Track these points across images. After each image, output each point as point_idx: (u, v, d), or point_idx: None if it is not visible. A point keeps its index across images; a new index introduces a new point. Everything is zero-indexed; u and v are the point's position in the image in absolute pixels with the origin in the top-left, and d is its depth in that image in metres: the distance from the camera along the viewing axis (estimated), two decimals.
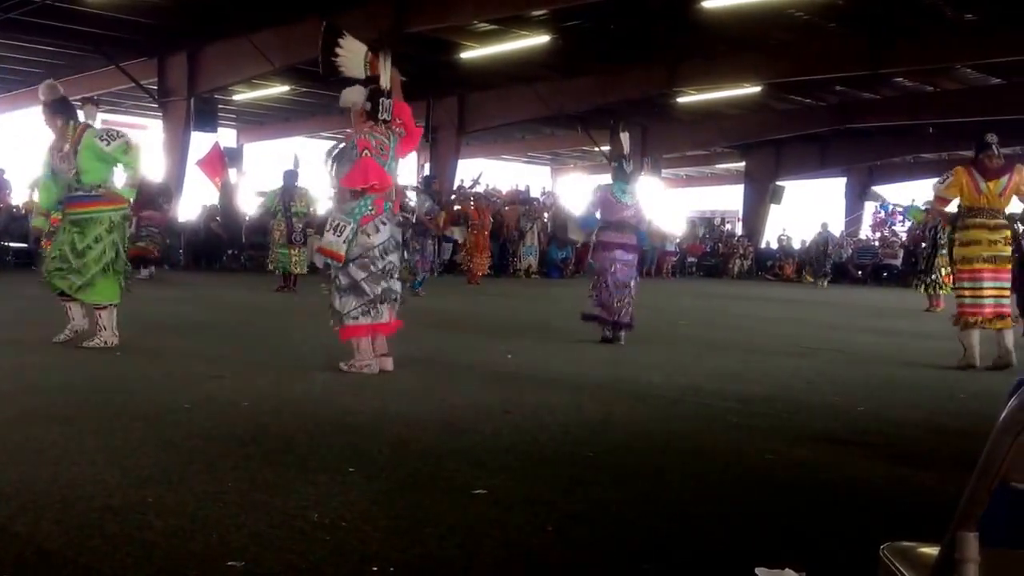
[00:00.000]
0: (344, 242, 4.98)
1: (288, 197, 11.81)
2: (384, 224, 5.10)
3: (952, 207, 6.62)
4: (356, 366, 5.07)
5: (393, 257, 5.18)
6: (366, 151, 5.01)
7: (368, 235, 5.03)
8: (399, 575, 2.13)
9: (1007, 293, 6.35)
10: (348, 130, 5.32)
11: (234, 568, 2.10)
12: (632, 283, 7.14)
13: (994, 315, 6.22)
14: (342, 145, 5.22)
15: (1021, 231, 7.38)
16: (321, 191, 14.04)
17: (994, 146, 6.26)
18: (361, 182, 5.00)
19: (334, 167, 5.14)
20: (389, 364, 5.18)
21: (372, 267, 5.06)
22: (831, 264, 22.30)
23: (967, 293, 6.35)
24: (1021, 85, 18.67)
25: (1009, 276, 6.36)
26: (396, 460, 3.18)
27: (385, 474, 2.99)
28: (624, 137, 7.37)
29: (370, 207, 5.04)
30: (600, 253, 7.21)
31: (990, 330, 6.25)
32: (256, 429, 3.55)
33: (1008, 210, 6.52)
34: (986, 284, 6.26)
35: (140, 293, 10.88)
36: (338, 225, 5.02)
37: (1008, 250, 6.32)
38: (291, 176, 11.84)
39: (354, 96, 5.16)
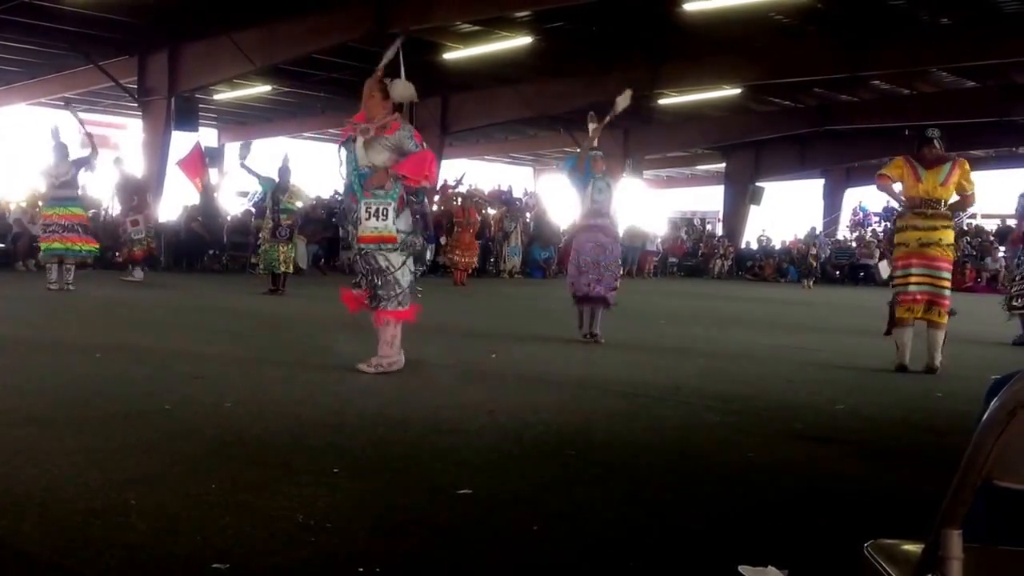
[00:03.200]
0: (392, 223, 5.03)
1: (279, 193, 11.58)
2: (407, 212, 5.18)
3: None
4: (384, 364, 5.06)
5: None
6: (424, 143, 5.11)
7: (402, 218, 5.10)
8: None
9: (944, 283, 6.15)
10: (385, 119, 5.12)
11: (218, 570, 2.09)
12: (612, 260, 7.17)
13: (924, 302, 6.11)
14: (392, 135, 5.06)
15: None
16: (310, 188, 13.85)
17: (935, 140, 6.26)
18: (428, 171, 5.09)
19: (366, 155, 5.06)
20: (402, 360, 5.22)
21: (409, 248, 5.15)
22: (818, 266, 22.69)
23: (898, 281, 6.28)
24: (994, 89, 18.93)
25: (948, 266, 6.21)
26: (380, 460, 3.18)
27: (369, 475, 2.99)
28: (590, 128, 7.49)
29: (401, 191, 5.09)
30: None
31: (923, 325, 6.16)
32: (239, 430, 3.53)
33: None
34: (914, 271, 6.17)
35: (123, 294, 10.80)
36: (378, 210, 5.02)
37: (946, 238, 6.18)
38: (285, 172, 11.60)
39: (409, 91, 5.21)
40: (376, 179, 5.03)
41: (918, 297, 6.14)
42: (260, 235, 11.90)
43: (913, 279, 6.18)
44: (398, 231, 5.06)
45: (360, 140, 5.10)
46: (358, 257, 5.19)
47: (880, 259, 22.18)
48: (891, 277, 6.55)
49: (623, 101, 7.36)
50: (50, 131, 10.75)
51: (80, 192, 11.29)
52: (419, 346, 6.26)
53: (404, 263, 5.13)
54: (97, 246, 11.01)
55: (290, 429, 3.59)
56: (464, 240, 15.97)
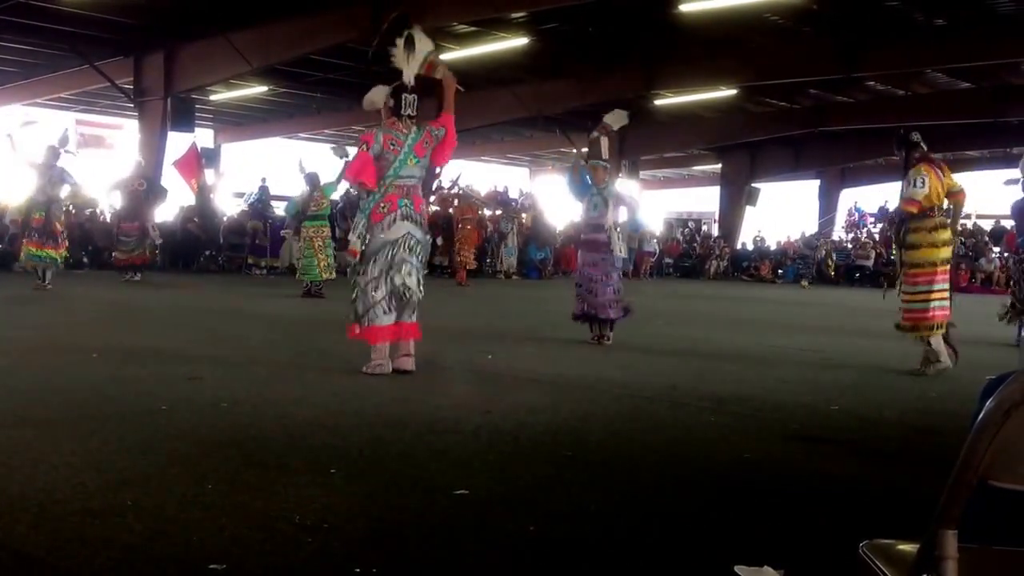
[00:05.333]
0: (358, 238, 5.01)
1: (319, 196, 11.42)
2: (400, 221, 5.05)
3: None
4: (371, 366, 5.07)
5: (409, 256, 5.09)
6: (363, 144, 5.05)
7: (382, 231, 5.03)
8: None
9: None
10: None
11: (215, 571, 2.09)
12: (604, 278, 7.11)
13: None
14: None
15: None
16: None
17: (922, 143, 6.21)
18: (349, 173, 5.12)
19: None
20: (410, 364, 5.12)
21: (385, 263, 5.03)
22: (813, 267, 22.87)
23: (944, 296, 6.07)
24: (988, 90, 18.98)
25: None
26: (377, 461, 3.18)
27: (366, 475, 2.99)
28: (603, 141, 7.44)
29: (381, 203, 5.04)
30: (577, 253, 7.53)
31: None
32: (236, 430, 3.53)
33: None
34: (944, 287, 6.13)
35: (119, 294, 10.79)
36: (354, 224, 5.13)
37: None
38: (314, 178, 11.54)
39: (375, 96, 5.17)
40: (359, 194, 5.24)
41: (950, 312, 6.11)
42: (304, 243, 11.36)
43: (944, 296, 6.10)
44: (363, 248, 5.04)
45: None
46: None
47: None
48: (923, 289, 6.08)
49: (615, 120, 7.38)
50: (59, 136, 10.82)
51: (73, 191, 11.34)
52: (416, 346, 6.26)
53: (363, 285, 5.06)
54: (58, 254, 10.91)
55: (287, 430, 3.59)
56: (472, 238, 16.11)
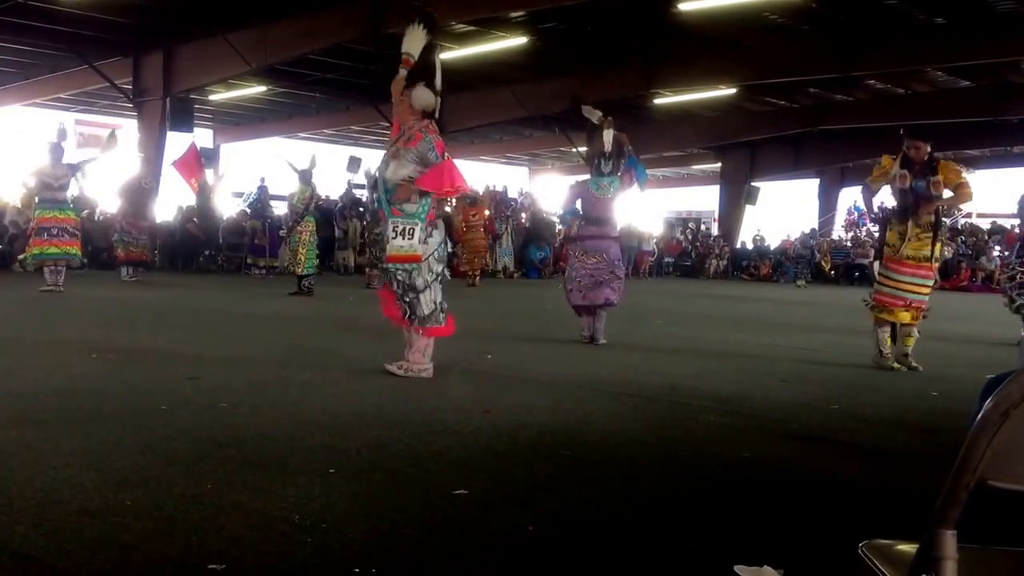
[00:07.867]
0: (419, 243, 4.97)
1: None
2: (439, 224, 5.15)
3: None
4: (413, 369, 5.02)
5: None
6: (446, 154, 4.98)
7: (432, 234, 5.05)
8: None
9: None
10: (414, 128, 5.01)
11: (214, 571, 2.09)
12: (612, 270, 7.11)
13: None
14: (415, 147, 4.96)
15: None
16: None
17: None
18: (448, 183, 4.94)
19: (392, 168, 5.00)
20: (431, 368, 5.16)
21: (439, 264, 5.10)
22: (812, 265, 22.97)
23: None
24: (989, 88, 18.98)
25: None
26: (375, 461, 3.18)
27: (365, 475, 2.99)
28: (607, 135, 7.38)
29: (431, 207, 5.06)
30: (573, 244, 7.42)
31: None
32: (234, 430, 3.53)
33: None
34: None
35: (118, 294, 10.78)
36: (405, 229, 4.95)
37: None
38: (308, 175, 11.57)
39: (430, 100, 5.05)
40: (400, 193, 4.96)
41: None
42: (300, 238, 11.54)
43: None
44: (425, 250, 4.99)
45: (389, 155, 5.07)
46: (388, 275, 5.16)
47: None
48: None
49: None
50: (56, 131, 10.77)
51: (76, 194, 11.29)
52: None
53: (429, 284, 5.04)
54: (80, 250, 10.90)
55: (286, 430, 3.59)
56: (483, 241, 16.14)
